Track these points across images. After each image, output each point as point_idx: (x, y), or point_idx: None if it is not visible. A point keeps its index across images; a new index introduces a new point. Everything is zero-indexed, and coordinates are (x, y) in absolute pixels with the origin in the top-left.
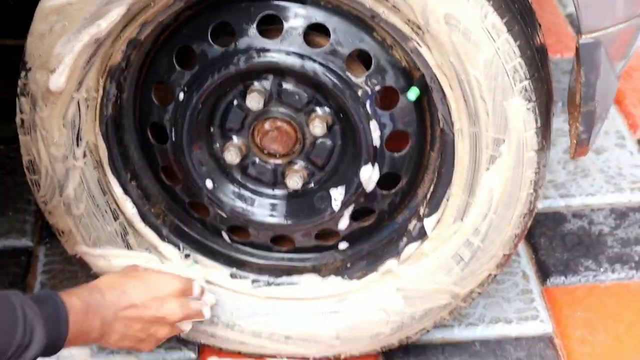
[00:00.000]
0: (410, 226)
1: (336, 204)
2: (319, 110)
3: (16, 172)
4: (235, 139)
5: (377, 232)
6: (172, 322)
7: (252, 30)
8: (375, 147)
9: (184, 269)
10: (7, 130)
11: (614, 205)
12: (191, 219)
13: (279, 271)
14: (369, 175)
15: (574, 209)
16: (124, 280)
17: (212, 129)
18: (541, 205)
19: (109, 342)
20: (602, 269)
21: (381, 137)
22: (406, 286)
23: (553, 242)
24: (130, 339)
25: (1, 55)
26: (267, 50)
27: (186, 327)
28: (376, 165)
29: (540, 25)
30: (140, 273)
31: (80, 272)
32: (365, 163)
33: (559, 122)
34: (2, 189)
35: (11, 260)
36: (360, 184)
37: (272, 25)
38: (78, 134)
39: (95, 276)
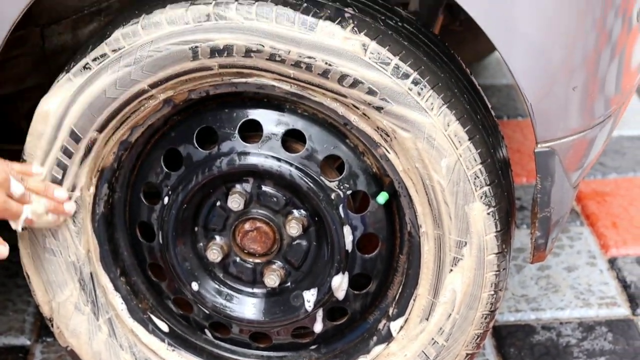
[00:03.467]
0: (380, 325)
1: (309, 305)
2: (295, 212)
3: (17, 276)
4: (217, 238)
5: (350, 332)
6: None
7: (234, 135)
8: (347, 251)
9: None
10: (11, 238)
11: (582, 319)
12: (176, 314)
13: None
14: (339, 283)
15: (544, 322)
16: None
17: (196, 229)
18: (513, 317)
19: None
20: None
21: (353, 241)
22: None
23: (522, 352)
24: None
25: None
26: (248, 154)
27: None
28: (346, 273)
29: (503, 138)
30: None
31: None
32: (337, 272)
33: None
34: (4, 290)
35: (8, 357)
36: (331, 290)
37: (252, 131)
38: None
39: None
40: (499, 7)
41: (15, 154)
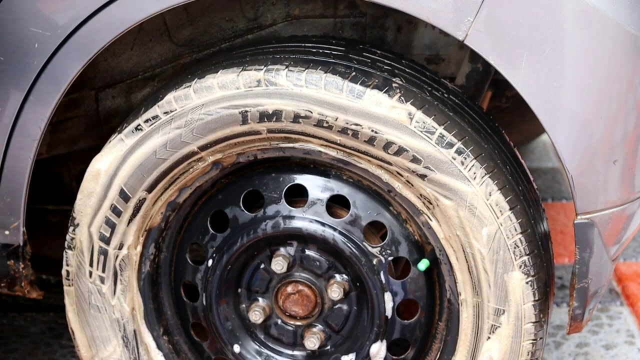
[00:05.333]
0: None
1: None
2: (337, 276)
3: (62, 337)
4: (260, 300)
5: None
6: None
7: (280, 199)
8: (387, 317)
9: None
10: (57, 300)
11: None
12: None
13: None
14: (378, 350)
15: None
16: None
17: (239, 290)
18: None
19: None
20: None
21: (393, 307)
22: None
23: None
24: None
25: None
26: (293, 218)
27: None
28: (384, 341)
29: (544, 210)
30: None
31: None
32: (376, 337)
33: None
34: (49, 350)
35: None
36: (369, 356)
37: (298, 195)
38: (116, 289)
39: None
40: (544, 82)
41: (65, 215)
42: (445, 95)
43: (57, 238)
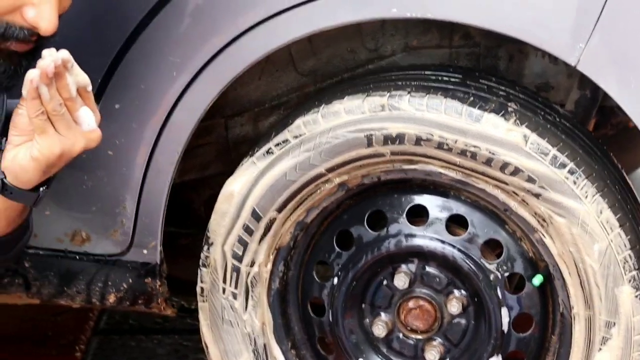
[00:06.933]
0: None
1: None
2: (456, 292)
3: (187, 358)
4: (382, 314)
5: None
6: None
7: (402, 218)
8: (503, 331)
9: None
10: (182, 323)
11: None
12: None
13: None
14: None
15: None
16: None
17: (363, 305)
18: None
19: None
20: None
21: (509, 322)
22: None
23: None
24: None
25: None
26: (414, 236)
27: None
28: (500, 354)
29: None
30: None
31: None
32: (492, 353)
33: None
34: None
35: None
36: None
37: (417, 215)
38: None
39: None
40: None
41: (195, 238)
42: (557, 119)
43: (188, 260)
